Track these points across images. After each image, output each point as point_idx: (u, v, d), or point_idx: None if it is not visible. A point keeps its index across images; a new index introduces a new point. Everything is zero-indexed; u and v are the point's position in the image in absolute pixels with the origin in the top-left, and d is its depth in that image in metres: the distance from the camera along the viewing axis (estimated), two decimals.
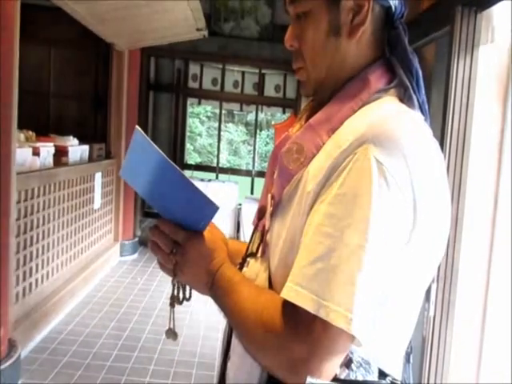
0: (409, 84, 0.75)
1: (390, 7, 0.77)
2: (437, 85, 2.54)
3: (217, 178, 6.78)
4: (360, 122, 0.69)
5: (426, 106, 0.78)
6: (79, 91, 5.39)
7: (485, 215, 2.09)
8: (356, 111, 0.73)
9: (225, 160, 13.80)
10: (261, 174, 7.01)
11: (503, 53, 2.02)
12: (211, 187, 5.64)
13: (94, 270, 4.42)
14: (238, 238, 5.72)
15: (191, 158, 12.84)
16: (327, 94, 0.78)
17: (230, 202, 5.76)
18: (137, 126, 0.79)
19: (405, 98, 0.75)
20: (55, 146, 3.73)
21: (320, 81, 0.79)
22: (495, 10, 1.98)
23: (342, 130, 0.71)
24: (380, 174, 0.63)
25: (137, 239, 5.58)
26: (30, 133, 3.65)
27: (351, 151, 0.66)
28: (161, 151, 0.75)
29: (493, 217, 2.09)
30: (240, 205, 6.00)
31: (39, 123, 4.90)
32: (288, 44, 0.82)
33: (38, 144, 3.48)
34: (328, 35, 0.76)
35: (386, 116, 0.69)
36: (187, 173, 5.77)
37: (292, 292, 0.66)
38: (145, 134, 0.77)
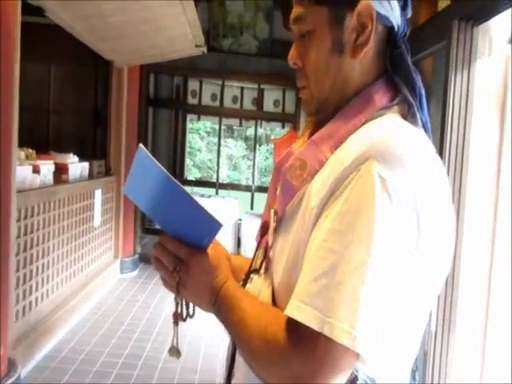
0: (413, 102, 0.76)
1: (392, 27, 0.77)
2: (435, 98, 2.55)
3: (217, 193, 6.78)
4: (363, 139, 0.69)
5: (429, 125, 0.78)
6: (79, 108, 5.42)
7: (485, 228, 2.08)
8: (359, 128, 0.73)
9: (224, 175, 13.82)
10: (261, 189, 7.01)
11: (500, 66, 2.04)
12: (211, 203, 5.64)
13: (94, 287, 4.40)
14: (238, 253, 5.71)
15: (191, 173, 12.85)
16: (330, 111, 0.79)
17: (230, 218, 5.75)
18: (140, 144, 0.79)
19: (408, 116, 0.75)
20: (55, 163, 3.74)
21: (323, 99, 0.80)
22: (492, 23, 2.00)
23: (345, 146, 0.71)
24: (383, 189, 0.64)
25: (137, 256, 5.56)
26: (30, 150, 3.66)
27: (355, 167, 0.66)
28: (164, 169, 0.76)
29: (493, 230, 2.08)
30: (240, 220, 5.99)
31: (39, 140, 4.92)
32: (291, 62, 0.82)
33: (38, 162, 3.48)
34: (331, 54, 0.77)
35: (389, 132, 0.70)
36: (187, 188, 5.75)
37: (296, 309, 0.65)
38: (148, 152, 0.77)
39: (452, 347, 2.10)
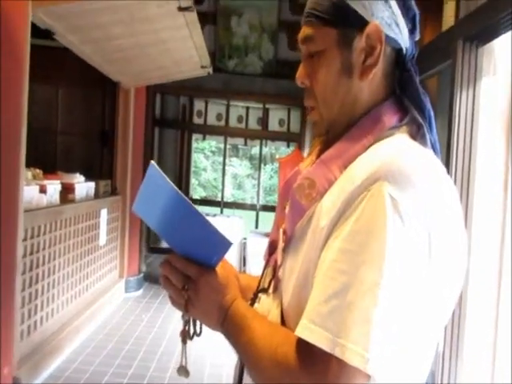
0: (422, 122, 0.76)
1: (401, 49, 0.78)
2: (440, 117, 2.56)
3: (222, 212, 6.79)
4: (373, 159, 0.70)
5: (438, 146, 0.79)
6: (86, 128, 5.47)
7: (492, 246, 2.07)
8: (368, 148, 0.73)
9: (229, 194, 13.84)
10: (265, 207, 7.01)
11: (506, 85, 2.05)
12: (216, 222, 5.62)
13: (99, 306, 4.38)
14: (244, 272, 5.68)
15: (196, 192, 12.88)
16: (339, 131, 0.79)
17: (236, 237, 5.74)
18: (152, 161, 0.80)
19: (418, 136, 0.76)
20: (62, 183, 3.76)
21: (332, 120, 0.80)
22: (496, 43, 2.02)
23: (355, 165, 0.72)
24: (394, 210, 0.63)
25: (142, 275, 5.54)
26: (38, 171, 3.68)
27: (365, 188, 0.66)
28: (175, 186, 0.76)
29: (501, 247, 2.07)
30: (245, 239, 5.98)
31: (47, 160, 4.96)
32: (299, 81, 0.83)
33: (45, 181, 3.51)
34: (340, 75, 0.77)
35: (399, 153, 0.70)
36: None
37: (307, 330, 0.65)
38: (159, 169, 0.77)
39: (460, 367, 2.07)
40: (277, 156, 10.52)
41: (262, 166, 8.52)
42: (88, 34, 3.51)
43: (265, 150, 8.75)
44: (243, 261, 5.90)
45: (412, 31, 0.79)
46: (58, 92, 5.40)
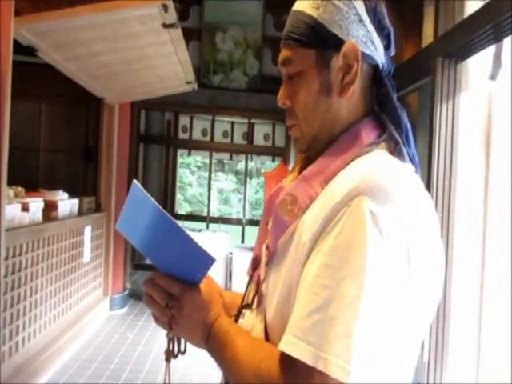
0: (399, 138, 0.78)
1: (377, 65, 0.80)
2: (421, 131, 2.61)
3: (207, 227, 6.76)
4: (353, 174, 0.71)
5: (417, 159, 0.80)
6: (70, 145, 5.44)
7: (473, 258, 2.10)
8: (348, 163, 0.75)
9: (215, 209, 13.81)
10: (251, 222, 7.01)
11: (484, 100, 2.10)
12: (202, 237, 5.62)
13: (83, 325, 4.31)
14: (230, 287, 5.65)
15: (182, 207, 12.84)
16: (320, 148, 0.81)
17: (222, 252, 5.72)
18: (134, 180, 0.80)
19: (395, 152, 0.77)
20: (44, 200, 3.72)
21: (313, 137, 0.82)
22: (472, 60, 2.07)
23: (336, 181, 0.73)
24: (374, 224, 0.65)
25: (127, 292, 5.47)
26: (19, 189, 3.64)
27: (345, 203, 0.67)
28: (157, 204, 0.76)
29: (482, 259, 2.10)
30: (231, 254, 5.96)
31: (29, 177, 4.90)
32: (281, 103, 0.85)
33: (27, 199, 3.46)
34: (320, 94, 0.79)
35: (378, 168, 0.71)
36: (178, 223, 5.79)
37: (289, 344, 0.65)
38: (142, 188, 0.78)
39: (445, 377, 2.08)
40: (262, 170, 10.57)
41: (248, 180, 8.55)
42: (71, 50, 3.51)
43: (250, 164, 8.77)
44: (229, 276, 5.87)
45: (387, 47, 0.82)
46: (40, 108, 5.37)
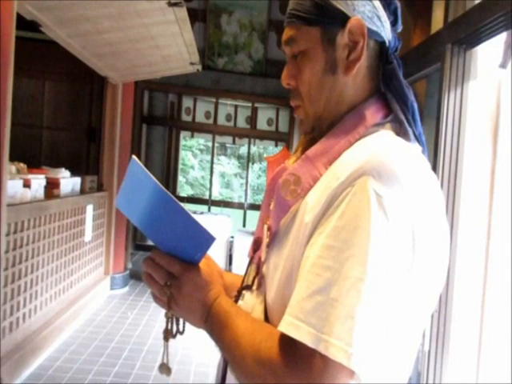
0: (404, 118, 0.76)
1: (384, 42, 0.78)
2: (429, 119, 2.58)
3: (209, 210, 6.77)
4: (358, 155, 0.70)
5: (424, 138, 0.79)
6: (73, 123, 5.42)
7: (478, 244, 2.09)
8: (353, 144, 0.74)
9: (217, 193, 13.81)
10: (253, 206, 7.01)
11: (493, 89, 2.07)
12: (203, 220, 5.62)
13: (84, 304, 4.34)
14: (230, 270, 5.67)
15: (183, 190, 12.84)
16: (325, 128, 0.79)
17: (223, 235, 5.73)
18: (133, 156, 0.78)
19: (401, 133, 0.76)
20: (47, 178, 3.71)
21: (318, 117, 0.80)
22: (485, 47, 2.03)
23: (340, 162, 0.72)
24: (379, 206, 0.63)
25: (128, 272, 5.50)
26: (22, 165, 3.63)
27: (349, 183, 0.66)
28: (157, 181, 0.75)
29: (487, 246, 2.09)
30: (232, 237, 5.97)
31: (32, 155, 4.90)
32: (285, 83, 0.83)
33: (30, 176, 3.46)
34: (325, 73, 0.78)
35: (384, 149, 0.70)
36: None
37: (290, 326, 0.64)
38: (141, 164, 0.76)
39: (446, 366, 2.09)
40: (265, 155, 10.53)
41: (250, 164, 8.52)
42: (76, 27, 3.47)
43: (253, 148, 8.74)
44: (230, 259, 5.89)
45: (394, 23, 0.80)
46: (44, 86, 5.33)
